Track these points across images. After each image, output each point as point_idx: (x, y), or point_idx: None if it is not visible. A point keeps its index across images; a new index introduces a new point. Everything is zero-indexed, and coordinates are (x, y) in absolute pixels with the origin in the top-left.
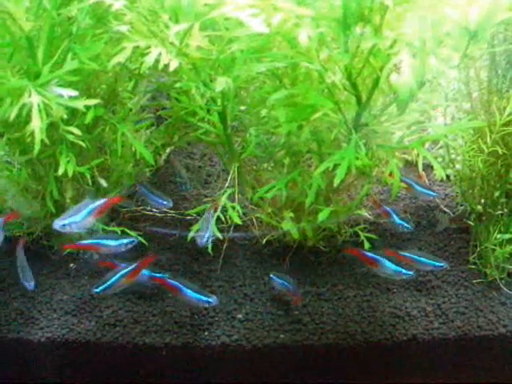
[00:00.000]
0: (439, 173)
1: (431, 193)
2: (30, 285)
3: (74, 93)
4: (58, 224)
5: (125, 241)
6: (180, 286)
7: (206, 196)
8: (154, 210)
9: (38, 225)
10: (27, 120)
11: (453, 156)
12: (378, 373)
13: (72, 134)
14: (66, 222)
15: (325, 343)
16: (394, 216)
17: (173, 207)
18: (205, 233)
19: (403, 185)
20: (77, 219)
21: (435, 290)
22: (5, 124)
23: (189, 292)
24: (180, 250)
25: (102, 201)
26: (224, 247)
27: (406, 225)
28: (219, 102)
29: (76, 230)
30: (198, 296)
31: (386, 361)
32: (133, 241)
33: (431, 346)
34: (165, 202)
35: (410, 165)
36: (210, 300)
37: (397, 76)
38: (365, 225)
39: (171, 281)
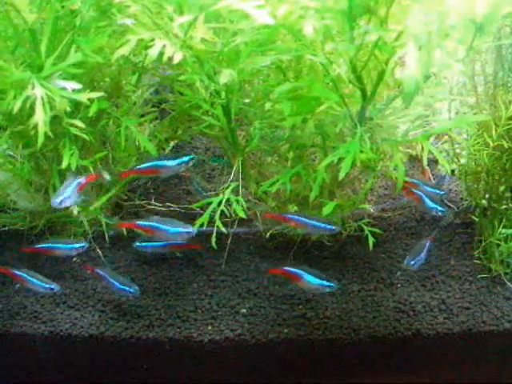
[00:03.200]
0: (445, 167)
1: (439, 191)
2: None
3: (78, 86)
4: (55, 202)
5: (185, 159)
6: (302, 273)
7: (209, 190)
8: (158, 204)
9: (41, 218)
10: (30, 113)
11: (457, 151)
12: (382, 368)
13: (75, 127)
14: (61, 198)
15: (329, 338)
16: (427, 200)
17: (176, 201)
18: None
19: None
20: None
21: (439, 285)
22: (8, 117)
23: (311, 278)
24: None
25: (83, 177)
26: (228, 241)
27: (440, 208)
28: (223, 95)
29: (69, 204)
30: (320, 281)
31: (389, 356)
32: (192, 157)
33: (435, 341)
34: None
35: (414, 159)
36: (331, 284)
37: (402, 69)
38: (369, 219)
39: (293, 269)
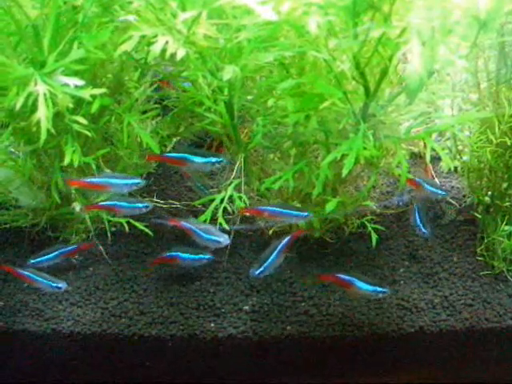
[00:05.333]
0: (447, 164)
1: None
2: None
3: (80, 82)
4: None
5: (213, 159)
6: (353, 279)
7: (212, 187)
8: (160, 202)
9: (43, 216)
10: (33, 109)
11: (460, 148)
12: (385, 364)
13: (78, 123)
14: None
15: (332, 335)
16: (426, 186)
17: (178, 198)
18: None
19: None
20: None
21: (442, 282)
22: (10, 114)
23: (363, 285)
24: (186, 241)
25: None
26: (231, 238)
27: (441, 192)
28: (226, 91)
29: None
30: (373, 288)
31: (393, 353)
32: (221, 160)
33: (438, 337)
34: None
35: (415, 157)
36: (385, 290)
37: (404, 66)
38: (372, 216)
39: (344, 276)
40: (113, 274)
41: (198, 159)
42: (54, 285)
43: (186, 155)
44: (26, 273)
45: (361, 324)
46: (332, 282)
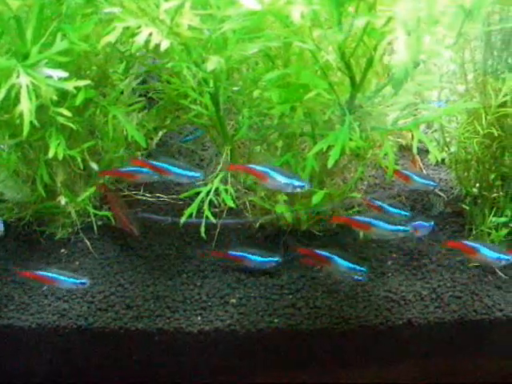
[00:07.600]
0: (435, 156)
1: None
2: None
3: (64, 74)
4: None
5: (296, 182)
6: (479, 247)
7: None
8: (147, 195)
9: (28, 210)
10: (16, 102)
11: (447, 139)
12: (373, 357)
13: (62, 116)
14: None
15: (319, 328)
16: (416, 178)
17: (165, 191)
18: None
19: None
20: None
21: (430, 274)
22: None
23: (488, 252)
24: (173, 234)
25: None
26: (217, 231)
27: (432, 183)
28: (211, 83)
29: None
30: (497, 255)
31: (380, 345)
32: (304, 185)
33: (427, 330)
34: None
35: (403, 149)
36: (508, 257)
37: (390, 57)
38: (359, 209)
39: (470, 243)
40: (99, 267)
41: (283, 179)
42: (78, 281)
43: (268, 171)
44: (44, 273)
45: (348, 316)
46: (458, 249)
